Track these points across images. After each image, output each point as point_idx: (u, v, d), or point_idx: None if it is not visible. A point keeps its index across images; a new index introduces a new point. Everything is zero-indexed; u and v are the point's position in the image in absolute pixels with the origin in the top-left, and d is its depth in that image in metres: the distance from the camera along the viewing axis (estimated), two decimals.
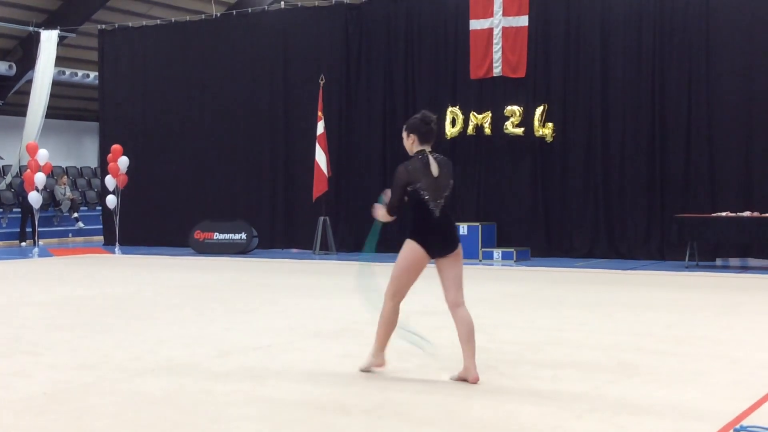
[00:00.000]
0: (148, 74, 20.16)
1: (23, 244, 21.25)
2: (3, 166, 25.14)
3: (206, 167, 19.23)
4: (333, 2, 18.23)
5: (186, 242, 18.48)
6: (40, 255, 18.39)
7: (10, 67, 24.88)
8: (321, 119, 16.87)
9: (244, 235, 17.90)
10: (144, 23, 21.18)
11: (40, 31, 22.68)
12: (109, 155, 19.51)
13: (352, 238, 17.40)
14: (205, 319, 8.99)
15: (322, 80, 16.91)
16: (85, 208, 24.59)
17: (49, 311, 9.68)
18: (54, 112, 24.29)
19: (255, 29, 18.99)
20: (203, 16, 20.82)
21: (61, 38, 22.79)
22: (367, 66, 17.64)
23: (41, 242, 20.93)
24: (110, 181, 19.56)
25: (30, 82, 23.30)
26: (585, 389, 5.73)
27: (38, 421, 5.04)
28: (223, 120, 18.83)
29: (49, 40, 22.38)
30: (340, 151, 17.60)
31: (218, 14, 21.26)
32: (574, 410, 5.20)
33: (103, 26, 21.44)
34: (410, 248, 5.94)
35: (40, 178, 20.08)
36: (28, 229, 21.13)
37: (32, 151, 20.18)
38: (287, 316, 9.18)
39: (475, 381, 5.87)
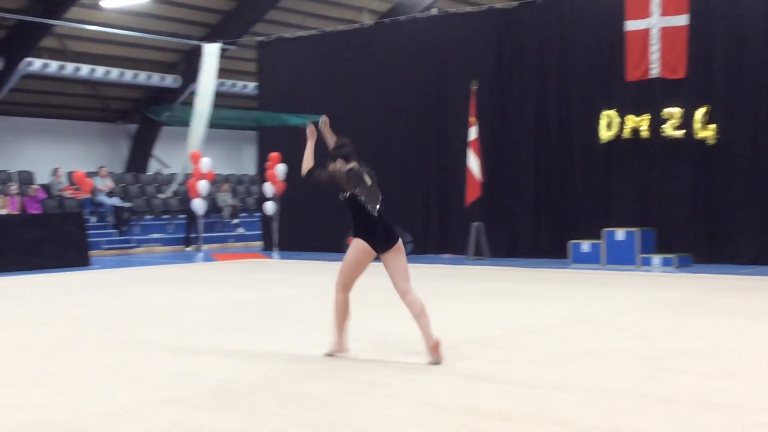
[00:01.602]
0: (304, 83, 20.70)
1: (188, 248, 22.21)
2: (169, 174, 26.38)
3: None
4: (485, 8, 18.19)
5: (341, 248, 18.78)
6: (204, 259, 19.19)
7: (175, 79, 26.12)
8: (474, 125, 16.86)
9: None
10: (299, 34, 21.78)
11: (203, 44, 23.68)
12: (268, 163, 20.17)
13: (505, 243, 17.36)
14: (360, 322, 9.11)
15: (474, 86, 16.88)
16: (245, 214, 25.46)
17: (213, 313, 10.08)
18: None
19: (407, 37, 19.17)
20: (357, 26, 21.21)
21: (222, 51, 23.73)
22: (520, 70, 17.52)
23: (204, 247, 21.85)
24: (268, 188, 20.22)
25: (193, 93, 24.36)
26: (756, 402, 5.49)
27: (211, 418, 5.26)
28: (376, 127, 19.07)
29: (211, 52, 23.34)
30: (493, 156, 17.51)
31: (371, 23, 21.59)
32: (745, 423, 4.99)
33: (262, 38, 22.17)
34: (357, 244, 6.92)
35: (203, 186, 20.97)
36: (193, 235, 22.09)
37: (196, 159, 21.12)
38: (440, 322, 9.19)
39: (437, 345, 6.79)
